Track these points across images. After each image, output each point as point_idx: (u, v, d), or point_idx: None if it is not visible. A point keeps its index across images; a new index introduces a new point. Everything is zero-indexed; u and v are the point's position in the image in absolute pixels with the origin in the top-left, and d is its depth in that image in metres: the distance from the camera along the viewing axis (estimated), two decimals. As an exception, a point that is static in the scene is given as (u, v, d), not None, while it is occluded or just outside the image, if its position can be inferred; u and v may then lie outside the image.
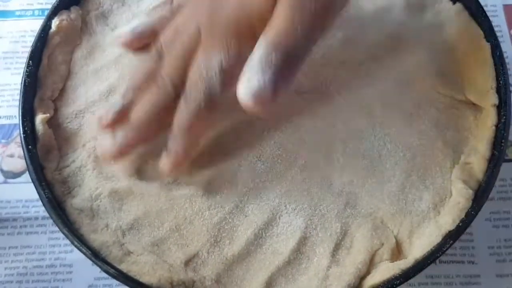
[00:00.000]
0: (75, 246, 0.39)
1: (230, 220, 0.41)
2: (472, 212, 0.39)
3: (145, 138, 0.41)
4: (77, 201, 0.41)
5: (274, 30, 0.34)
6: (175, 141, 0.40)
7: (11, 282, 0.45)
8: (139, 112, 0.40)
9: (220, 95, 0.38)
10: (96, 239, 0.40)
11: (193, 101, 0.38)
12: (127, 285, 0.38)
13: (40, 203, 0.41)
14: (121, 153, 0.41)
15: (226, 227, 0.41)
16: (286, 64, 0.34)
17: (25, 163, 0.42)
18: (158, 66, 0.40)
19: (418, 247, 0.39)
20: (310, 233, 0.40)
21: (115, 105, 0.41)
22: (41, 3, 0.57)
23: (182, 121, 0.39)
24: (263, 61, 0.34)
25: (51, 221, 0.40)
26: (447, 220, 0.40)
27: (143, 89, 0.40)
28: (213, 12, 0.38)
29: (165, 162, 0.41)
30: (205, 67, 0.37)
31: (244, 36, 0.36)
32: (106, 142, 0.40)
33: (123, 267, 0.38)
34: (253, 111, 0.34)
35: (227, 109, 0.43)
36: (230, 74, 0.37)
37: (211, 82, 0.37)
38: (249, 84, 0.34)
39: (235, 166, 0.42)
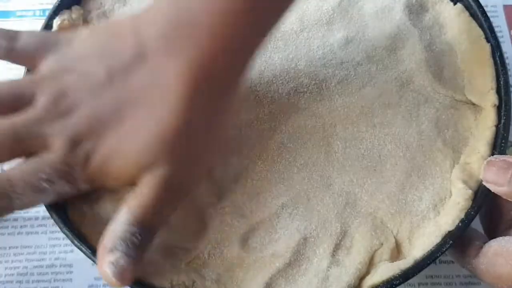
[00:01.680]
0: (75, 245, 0.39)
1: (229, 222, 0.41)
2: (472, 213, 0.39)
3: None
4: (78, 201, 0.41)
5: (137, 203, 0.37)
6: None
7: (11, 282, 0.45)
8: None
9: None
10: (97, 238, 0.39)
11: None
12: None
13: (40, 202, 0.41)
14: None
15: (225, 228, 0.41)
16: (148, 240, 0.37)
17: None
18: None
19: (417, 247, 0.39)
20: (310, 233, 0.40)
21: None
22: (42, 3, 0.57)
23: None
24: (127, 239, 0.35)
25: (51, 221, 0.40)
26: (447, 220, 0.39)
27: None
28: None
29: None
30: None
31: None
32: None
33: (123, 266, 0.38)
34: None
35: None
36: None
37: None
38: (115, 264, 0.35)
39: (235, 165, 0.42)
